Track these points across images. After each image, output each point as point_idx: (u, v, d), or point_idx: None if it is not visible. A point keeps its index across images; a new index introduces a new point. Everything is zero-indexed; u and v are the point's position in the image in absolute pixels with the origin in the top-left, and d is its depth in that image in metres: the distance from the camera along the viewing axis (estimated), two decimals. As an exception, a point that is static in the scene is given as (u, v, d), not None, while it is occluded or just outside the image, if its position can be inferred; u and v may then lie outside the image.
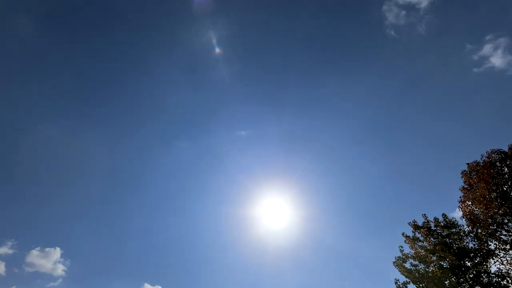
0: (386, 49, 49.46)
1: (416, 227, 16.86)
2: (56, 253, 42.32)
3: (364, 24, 50.70)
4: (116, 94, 55.67)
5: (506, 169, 15.15)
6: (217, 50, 48.35)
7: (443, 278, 14.32)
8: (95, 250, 46.59)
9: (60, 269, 41.54)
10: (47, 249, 42.19)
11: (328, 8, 51.79)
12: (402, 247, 16.77)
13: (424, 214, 17.19)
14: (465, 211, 16.08)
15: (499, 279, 13.70)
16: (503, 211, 14.53)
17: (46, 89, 49.84)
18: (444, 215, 16.59)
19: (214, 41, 47.53)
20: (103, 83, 54.64)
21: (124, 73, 54.38)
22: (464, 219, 16.00)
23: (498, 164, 15.50)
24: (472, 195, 15.94)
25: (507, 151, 15.55)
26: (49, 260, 41.61)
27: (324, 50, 54.24)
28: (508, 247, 14.23)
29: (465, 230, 15.64)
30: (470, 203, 15.97)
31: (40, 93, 48.95)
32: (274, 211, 47.40)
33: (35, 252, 41.87)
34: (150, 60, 53.87)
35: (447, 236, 15.69)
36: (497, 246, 14.52)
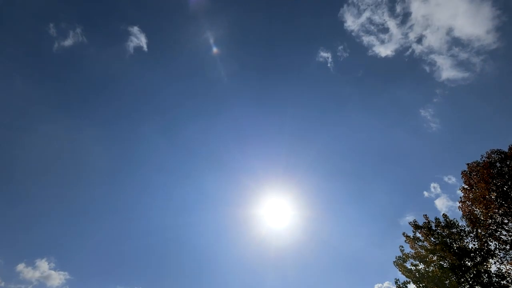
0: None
1: (416, 227, 16.93)
2: (48, 263, 41.94)
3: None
4: (115, 94, 56.13)
5: (506, 169, 15.18)
6: (215, 49, 48.58)
7: (443, 278, 14.39)
8: (90, 254, 46.64)
9: (55, 279, 41.25)
10: (39, 260, 41.69)
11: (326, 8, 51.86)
12: (402, 246, 16.85)
13: (425, 215, 17.27)
14: (465, 211, 16.14)
15: (499, 279, 13.75)
16: (503, 211, 14.58)
17: (46, 89, 50.40)
18: (444, 215, 16.65)
19: (211, 40, 47.76)
20: (102, 82, 55.11)
21: (123, 72, 54.86)
22: (464, 219, 16.05)
23: (498, 164, 15.54)
24: (472, 195, 16.00)
25: (507, 151, 15.58)
26: (43, 270, 41.18)
27: (323, 49, 54.27)
28: (508, 247, 14.29)
29: (466, 230, 15.69)
30: (470, 203, 16.02)
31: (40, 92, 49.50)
32: (276, 212, 47.57)
33: (24, 264, 41.20)
34: (150, 58, 54.29)
35: (448, 236, 15.75)
36: (497, 246, 14.58)
